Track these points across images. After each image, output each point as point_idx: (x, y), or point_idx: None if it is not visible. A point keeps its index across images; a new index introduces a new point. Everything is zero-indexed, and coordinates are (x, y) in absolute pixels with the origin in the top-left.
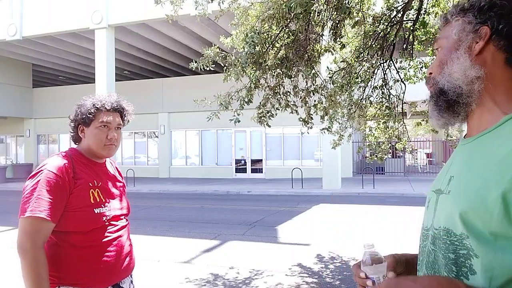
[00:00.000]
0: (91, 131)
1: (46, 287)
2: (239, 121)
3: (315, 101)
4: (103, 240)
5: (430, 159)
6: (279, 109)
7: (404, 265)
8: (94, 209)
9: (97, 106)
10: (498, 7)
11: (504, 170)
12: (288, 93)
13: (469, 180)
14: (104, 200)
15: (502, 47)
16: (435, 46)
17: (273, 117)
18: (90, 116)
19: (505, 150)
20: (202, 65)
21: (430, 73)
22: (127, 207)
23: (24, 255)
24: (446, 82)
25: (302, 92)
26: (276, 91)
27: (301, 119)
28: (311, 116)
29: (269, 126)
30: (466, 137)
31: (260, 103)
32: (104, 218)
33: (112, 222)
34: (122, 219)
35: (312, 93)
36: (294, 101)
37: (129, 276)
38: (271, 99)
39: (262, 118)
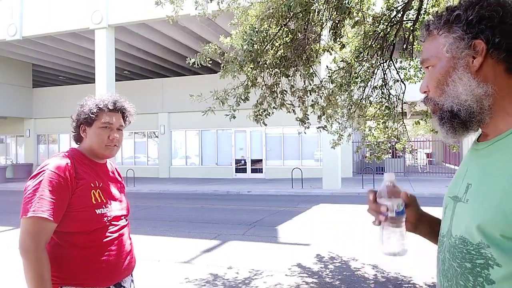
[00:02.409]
0: (93, 131)
1: (48, 287)
2: (234, 117)
3: (312, 101)
4: (104, 240)
5: (430, 159)
6: (275, 108)
7: (418, 215)
8: (96, 210)
9: (99, 106)
10: (487, 19)
11: None
12: (285, 92)
13: (488, 190)
14: (105, 201)
15: (502, 59)
16: (425, 65)
17: (269, 115)
18: (93, 116)
19: None
20: (200, 60)
21: (425, 91)
22: (127, 207)
23: (26, 255)
24: (454, 104)
25: (300, 91)
26: (273, 89)
27: (298, 119)
28: (307, 116)
29: (265, 125)
30: (480, 141)
31: (257, 101)
32: (106, 218)
33: (113, 223)
34: (122, 219)
35: (309, 93)
36: (291, 101)
37: (130, 275)
38: (267, 97)
39: (259, 116)
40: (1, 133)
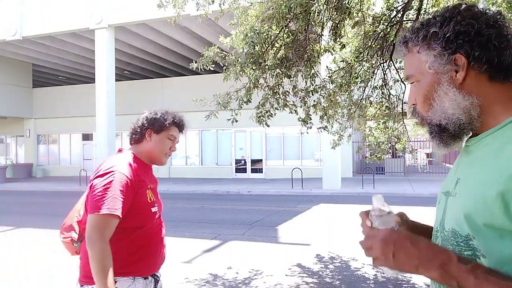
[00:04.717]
0: (160, 138)
1: (111, 276)
2: (236, 121)
3: (314, 101)
4: (153, 235)
5: (430, 159)
6: (278, 109)
7: (410, 229)
8: (151, 208)
9: (175, 121)
10: (464, 34)
11: (502, 170)
12: (287, 93)
13: (473, 182)
14: (154, 200)
15: (484, 70)
16: (410, 80)
17: (272, 117)
18: (167, 125)
19: (504, 151)
20: (202, 65)
21: (413, 104)
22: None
23: (92, 247)
24: (442, 119)
25: (301, 92)
26: (275, 91)
27: (300, 119)
28: (309, 116)
29: (268, 126)
30: (471, 138)
31: (259, 102)
32: (156, 216)
33: (158, 220)
34: (160, 216)
35: (311, 93)
36: (293, 101)
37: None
38: (270, 99)
39: (261, 117)
40: (1, 133)
